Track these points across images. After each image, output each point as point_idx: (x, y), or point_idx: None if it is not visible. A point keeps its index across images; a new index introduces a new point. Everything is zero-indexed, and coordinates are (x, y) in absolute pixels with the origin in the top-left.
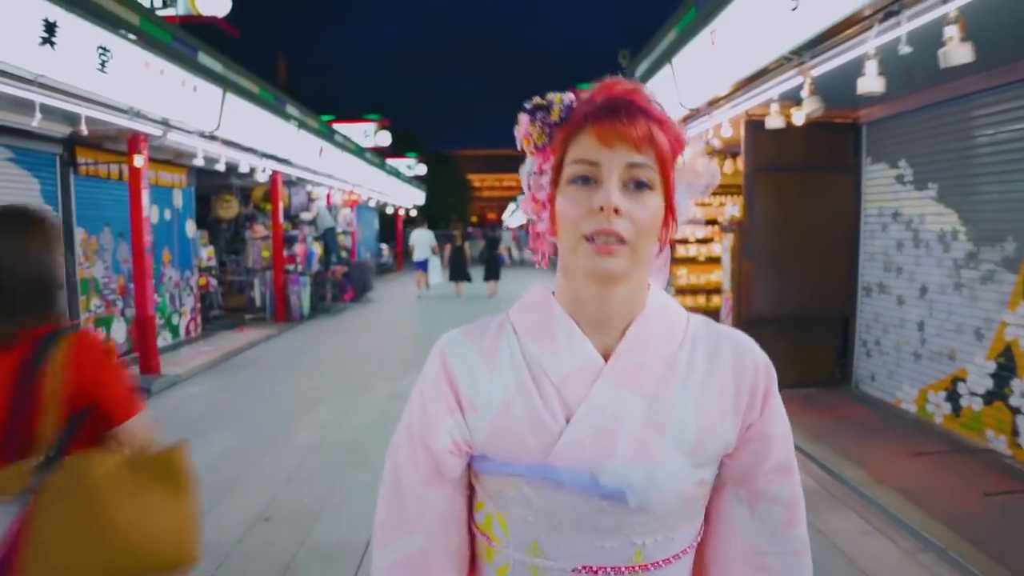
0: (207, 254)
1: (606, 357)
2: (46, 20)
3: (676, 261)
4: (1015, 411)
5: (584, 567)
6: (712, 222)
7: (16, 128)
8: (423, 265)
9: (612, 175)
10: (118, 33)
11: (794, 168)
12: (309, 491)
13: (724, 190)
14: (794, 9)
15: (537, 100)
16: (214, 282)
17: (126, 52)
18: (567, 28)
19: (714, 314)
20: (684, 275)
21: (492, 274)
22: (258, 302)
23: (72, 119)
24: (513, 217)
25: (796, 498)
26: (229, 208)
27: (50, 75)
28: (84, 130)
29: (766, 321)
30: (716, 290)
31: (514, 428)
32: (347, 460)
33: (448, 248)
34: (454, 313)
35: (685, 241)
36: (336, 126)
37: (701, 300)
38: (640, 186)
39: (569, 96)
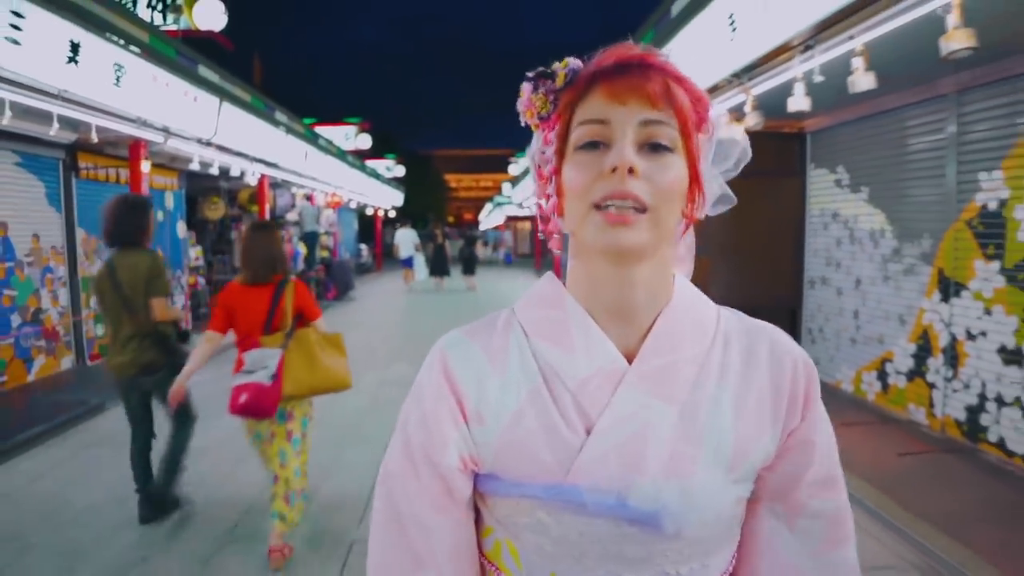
0: (195, 254)
1: (629, 358)
2: (71, 41)
3: None
4: (931, 386)
5: None
6: None
7: (24, 135)
8: (408, 262)
9: (625, 134)
10: (130, 50)
11: (745, 173)
12: (315, 459)
13: None
14: (731, 40)
15: (540, 69)
16: (202, 281)
17: (137, 67)
18: (543, 29)
19: None
20: None
21: (469, 270)
22: None
23: (76, 126)
24: (490, 218)
25: (842, 514)
26: (216, 209)
27: (72, 90)
28: (95, 138)
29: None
30: None
31: (527, 442)
32: (345, 435)
33: (431, 247)
34: (434, 306)
35: None
36: (318, 129)
37: None
38: (658, 148)
39: (575, 61)
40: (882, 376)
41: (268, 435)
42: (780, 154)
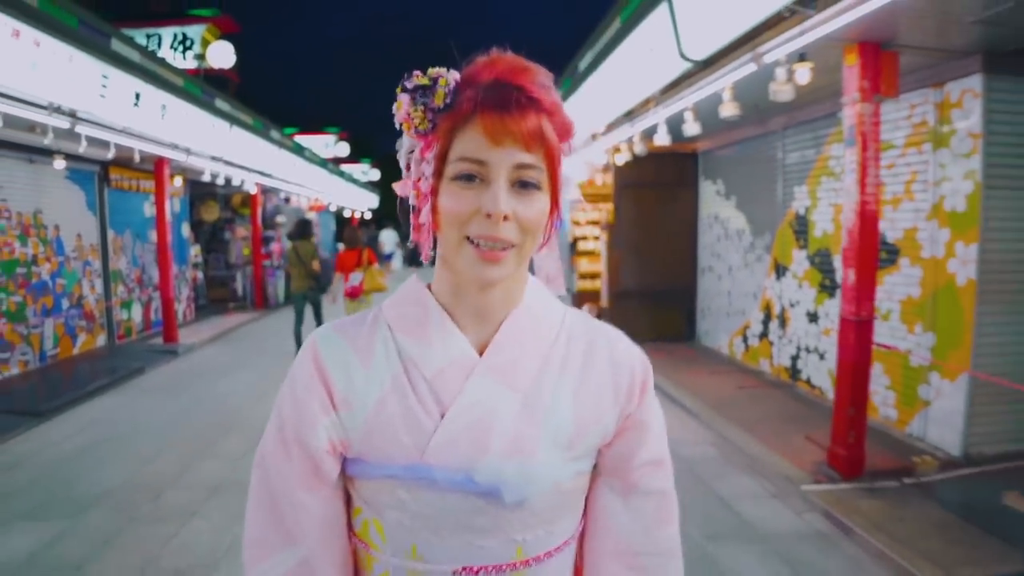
0: (195, 252)
1: (482, 352)
2: (136, 93)
3: (579, 253)
4: (771, 343)
5: (464, 568)
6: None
7: (72, 154)
8: (389, 257)
9: (500, 176)
10: (172, 93)
11: (650, 184)
12: None
13: (603, 199)
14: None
15: (418, 78)
16: (200, 276)
17: (174, 105)
18: (516, 27)
19: (598, 291)
20: (585, 264)
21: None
22: (240, 292)
23: (108, 146)
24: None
25: (669, 494)
26: (211, 212)
27: (132, 127)
28: (137, 158)
29: (631, 294)
30: None
31: (389, 427)
32: None
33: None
34: None
35: (585, 238)
36: (299, 138)
37: (598, 283)
38: (527, 186)
39: (453, 76)
40: (744, 339)
41: (355, 308)
42: (679, 169)
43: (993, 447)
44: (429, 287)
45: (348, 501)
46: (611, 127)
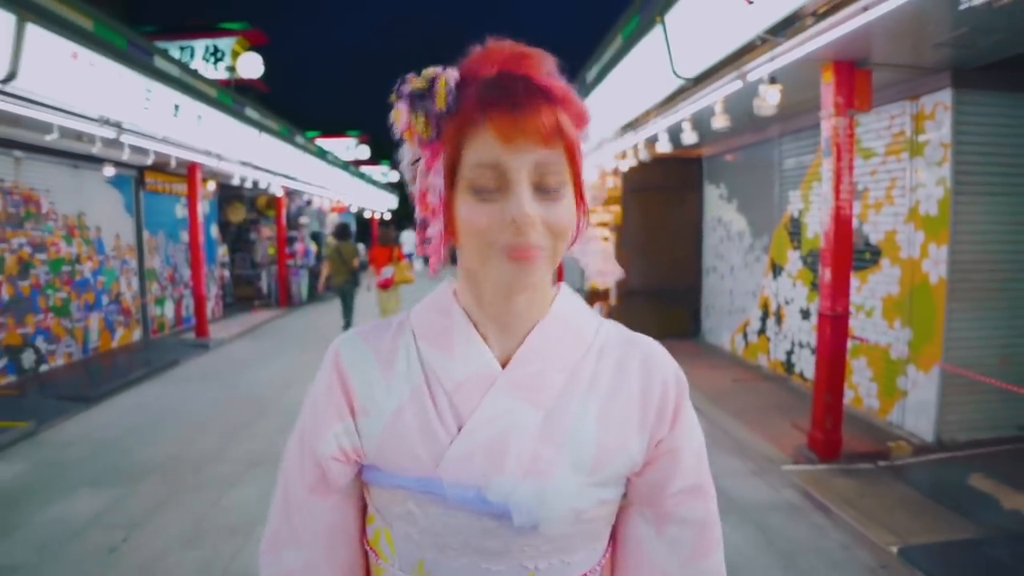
0: (222, 252)
1: (506, 365)
2: (175, 105)
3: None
4: (768, 339)
5: None
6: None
7: (113, 160)
8: (409, 256)
9: (521, 180)
10: (207, 103)
11: (657, 188)
12: None
13: (612, 201)
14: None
15: (413, 82)
16: (227, 274)
17: (209, 115)
18: (532, 25)
19: (608, 290)
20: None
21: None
22: (264, 290)
23: (147, 152)
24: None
25: (709, 522)
26: (238, 213)
27: (171, 136)
28: (173, 163)
29: (638, 293)
30: None
31: (405, 437)
32: None
33: None
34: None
35: (598, 239)
36: (320, 141)
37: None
38: (550, 188)
39: (452, 74)
40: (745, 336)
41: (387, 296)
42: (684, 173)
43: (964, 434)
44: (455, 293)
45: (364, 508)
46: (618, 134)
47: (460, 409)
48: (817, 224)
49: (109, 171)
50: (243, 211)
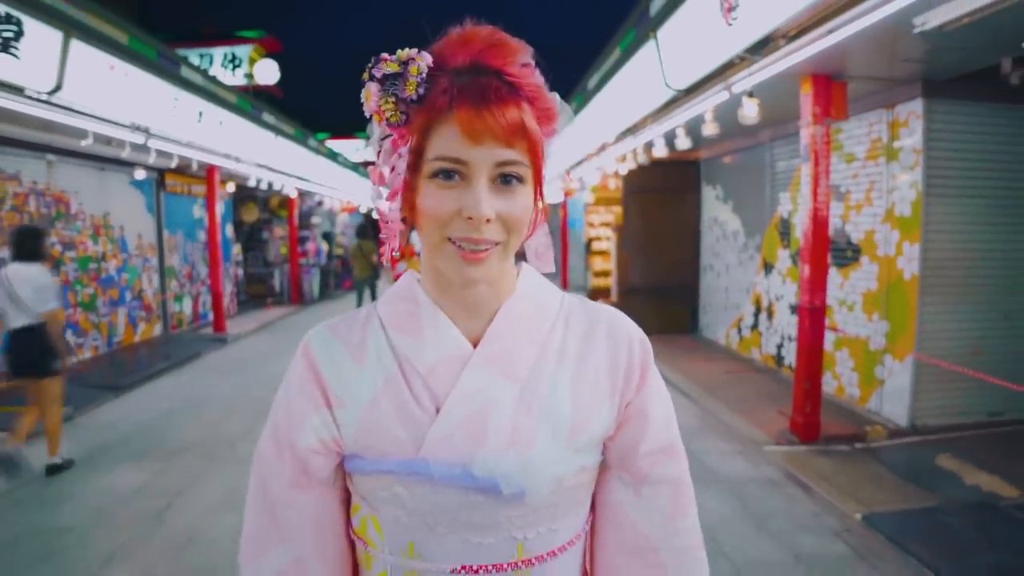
0: (236, 250)
1: (476, 344)
2: (200, 111)
3: (593, 253)
4: (760, 334)
5: (463, 567)
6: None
7: (139, 163)
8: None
9: (480, 176)
10: (228, 109)
11: (657, 190)
12: None
13: (614, 202)
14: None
15: (386, 63)
16: (241, 272)
17: (230, 120)
18: (537, 23)
19: (610, 288)
20: (599, 262)
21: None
22: (277, 288)
23: (171, 156)
24: None
25: (683, 481)
26: (251, 213)
27: (195, 140)
28: (195, 166)
29: (639, 291)
30: None
31: (383, 423)
32: None
33: None
34: None
35: (599, 239)
36: (330, 143)
37: (609, 280)
38: (509, 180)
39: (426, 60)
40: (739, 331)
41: None
42: (683, 176)
43: (936, 419)
44: (419, 282)
45: (349, 499)
46: (618, 139)
47: (436, 391)
48: None
49: (140, 174)
50: (256, 211)
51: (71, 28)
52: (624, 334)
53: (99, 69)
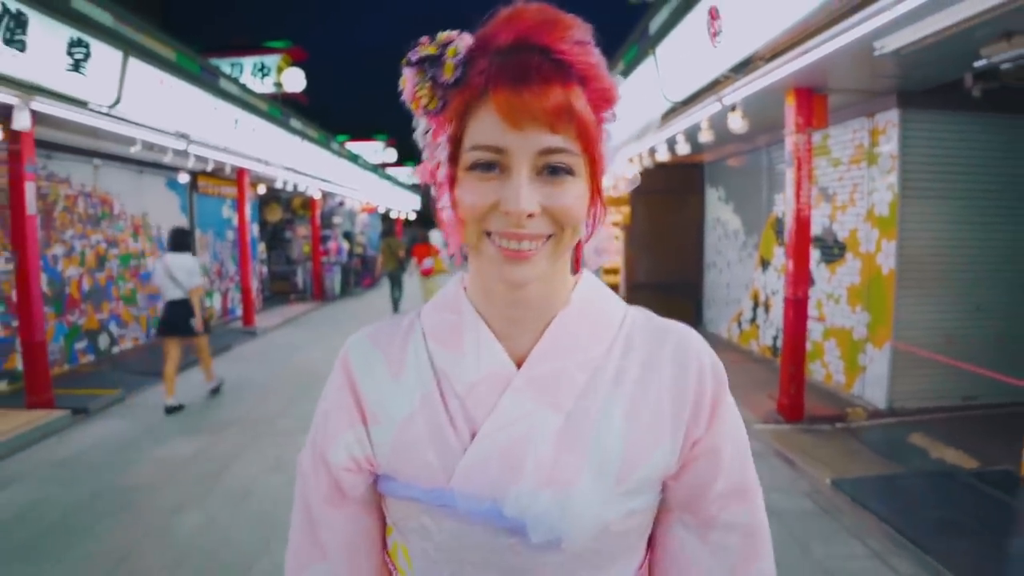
0: (261, 248)
1: (521, 363)
2: (235, 119)
3: None
4: (758, 327)
5: None
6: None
7: (171, 166)
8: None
9: (521, 165)
10: (260, 116)
11: (663, 191)
12: None
13: (623, 202)
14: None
15: (423, 47)
16: (265, 270)
17: (262, 127)
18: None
19: (618, 285)
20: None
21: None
22: (300, 285)
23: (207, 160)
24: None
25: (757, 526)
26: (274, 213)
27: (231, 146)
28: (228, 170)
29: (645, 287)
30: None
31: (416, 445)
32: None
33: None
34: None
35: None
36: (350, 145)
37: (618, 277)
38: (557, 172)
39: (464, 41)
40: (739, 324)
41: (429, 283)
42: (688, 178)
43: (913, 402)
44: (466, 288)
45: (384, 519)
46: (625, 143)
47: (473, 414)
48: None
49: (184, 177)
50: (279, 211)
51: (129, 47)
52: (695, 359)
53: (151, 83)
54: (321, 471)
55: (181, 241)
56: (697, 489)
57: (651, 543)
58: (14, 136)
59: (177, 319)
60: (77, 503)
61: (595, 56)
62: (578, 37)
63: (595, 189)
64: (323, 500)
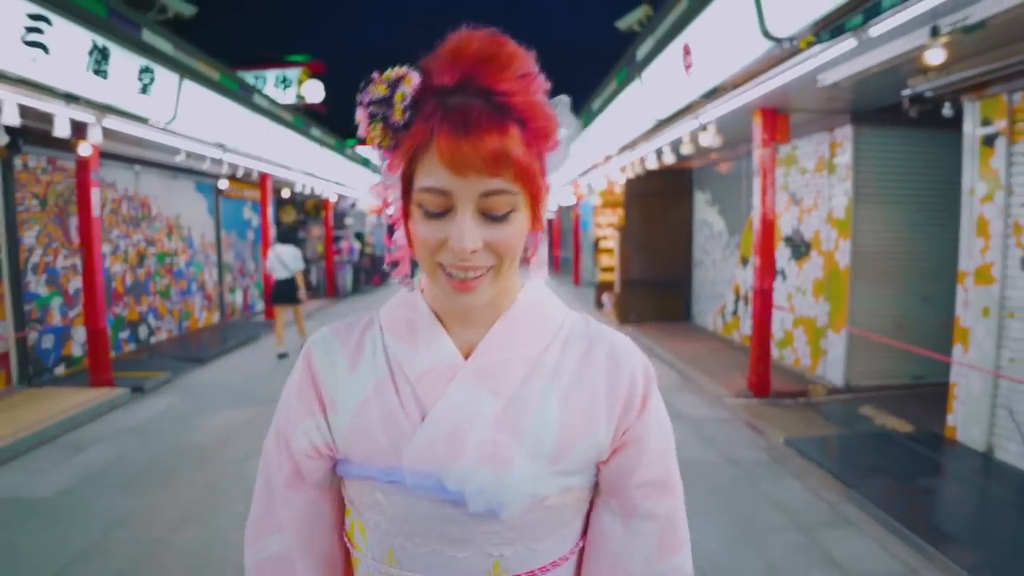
0: None
1: (468, 356)
2: (266, 130)
3: (600, 251)
4: (739, 318)
5: None
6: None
7: (200, 171)
8: None
9: (466, 207)
10: (286, 126)
11: (655, 194)
12: None
13: (618, 205)
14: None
15: (375, 86)
16: None
17: (286, 136)
18: (555, 27)
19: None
20: (605, 259)
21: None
22: (314, 283)
23: (237, 168)
24: None
25: (678, 521)
26: (289, 215)
27: (263, 155)
28: (255, 175)
29: (638, 283)
30: None
31: (370, 428)
32: None
33: None
34: None
35: (605, 238)
36: (359, 149)
37: (613, 275)
38: (498, 214)
39: (415, 80)
40: (723, 316)
41: None
42: (678, 182)
43: (867, 381)
44: (422, 290)
45: (342, 501)
46: (619, 151)
47: (424, 400)
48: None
49: (223, 183)
50: (293, 213)
51: (184, 71)
52: (627, 360)
53: (199, 101)
54: (284, 455)
55: (286, 235)
56: (622, 474)
57: (585, 527)
58: (84, 148)
59: (285, 292)
60: (157, 457)
61: (536, 90)
62: (521, 71)
63: (535, 217)
64: (283, 484)
